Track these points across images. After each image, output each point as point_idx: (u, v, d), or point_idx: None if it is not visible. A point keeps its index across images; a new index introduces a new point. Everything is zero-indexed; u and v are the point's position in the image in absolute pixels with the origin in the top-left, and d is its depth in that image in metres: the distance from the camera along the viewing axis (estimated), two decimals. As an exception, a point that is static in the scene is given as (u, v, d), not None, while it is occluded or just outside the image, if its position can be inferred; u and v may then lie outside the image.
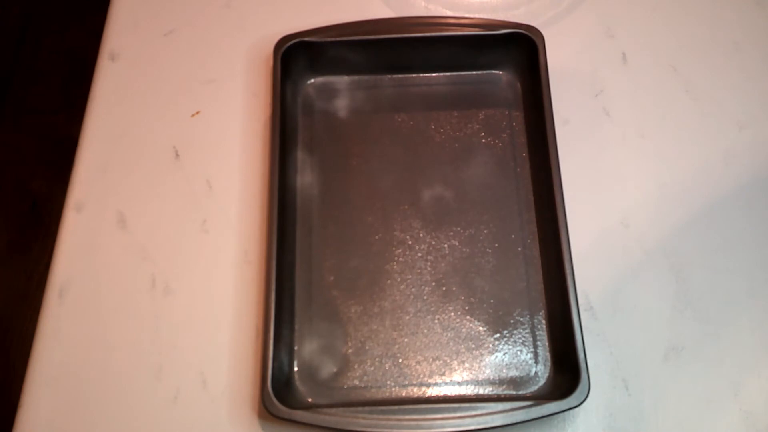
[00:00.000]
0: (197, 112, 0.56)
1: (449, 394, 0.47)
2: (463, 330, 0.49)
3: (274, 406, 0.44)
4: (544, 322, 0.49)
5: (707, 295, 0.50)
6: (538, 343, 0.49)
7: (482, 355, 0.48)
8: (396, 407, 0.45)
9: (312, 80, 0.56)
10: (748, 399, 0.47)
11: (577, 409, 0.44)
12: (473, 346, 0.49)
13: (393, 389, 0.48)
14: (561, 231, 0.48)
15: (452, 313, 0.50)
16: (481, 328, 0.49)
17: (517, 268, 0.51)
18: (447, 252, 0.51)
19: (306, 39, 0.54)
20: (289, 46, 0.53)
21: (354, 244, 0.52)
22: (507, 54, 0.55)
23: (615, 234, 0.52)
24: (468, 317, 0.50)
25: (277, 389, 0.44)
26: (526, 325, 0.49)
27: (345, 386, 0.48)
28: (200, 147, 0.55)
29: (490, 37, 0.55)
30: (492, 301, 0.50)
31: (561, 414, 0.45)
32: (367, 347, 0.49)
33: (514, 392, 0.47)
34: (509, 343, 0.49)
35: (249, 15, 0.60)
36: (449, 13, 0.60)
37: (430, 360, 0.48)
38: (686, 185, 0.54)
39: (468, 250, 0.51)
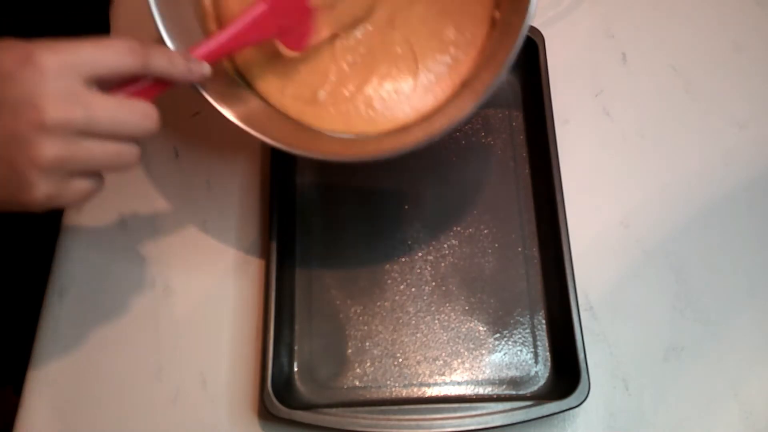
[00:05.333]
0: (197, 112, 0.56)
1: (449, 394, 0.47)
2: (463, 330, 0.49)
3: (274, 406, 0.44)
4: (544, 322, 0.49)
5: (707, 295, 0.50)
6: (538, 343, 0.49)
7: (482, 355, 0.48)
8: (396, 407, 0.45)
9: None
10: (748, 399, 0.47)
11: (577, 409, 0.44)
12: (473, 346, 0.49)
13: (393, 389, 0.48)
14: (561, 231, 0.48)
15: (452, 313, 0.50)
16: (481, 328, 0.49)
17: (517, 268, 0.51)
18: (447, 252, 0.51)
19: (306, 39, 0.54)
20: (289, 46, 0.53)
21: (354, 244, 0.52)
22: (507, 54, 0.55)
23: (615, 234, 0.52)
24: (468, 317, 0.50)
25: (277, 389, 0.44)
26: (526, 325, 0.49)
27: (345, 386, 0.48)
28: (200, 147, 0.55)
29: (490, 37, 0.54)
30: (492, 301, 0.50)
31: (561, 414, 0.45)
32: (367, 347, 0.49)
33: (514, 392, 0.47)
34: (509, 343, 0.49)
35: (249, 15, 0.60)
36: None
37: (430, 360, 0.48)
38: (686, 185, 0.54)
39: (468, 250, 0.51)
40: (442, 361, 0.48)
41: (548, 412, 0.43)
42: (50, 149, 0.30)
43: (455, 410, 0.45)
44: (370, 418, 0.44)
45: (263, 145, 0.55)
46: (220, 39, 0.38)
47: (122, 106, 0.32)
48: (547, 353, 0.48)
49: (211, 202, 0.53)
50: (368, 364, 0.48)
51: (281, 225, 0.49)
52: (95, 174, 0.34)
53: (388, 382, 0.48)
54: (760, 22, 0.59)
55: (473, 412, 0.45)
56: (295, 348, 0.48)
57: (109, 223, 0.52)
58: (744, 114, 0.56)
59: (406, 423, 0.44)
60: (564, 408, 0.43)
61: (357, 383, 0.48)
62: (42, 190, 0.31)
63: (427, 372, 0.48)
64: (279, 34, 0.41)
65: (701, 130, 0.56)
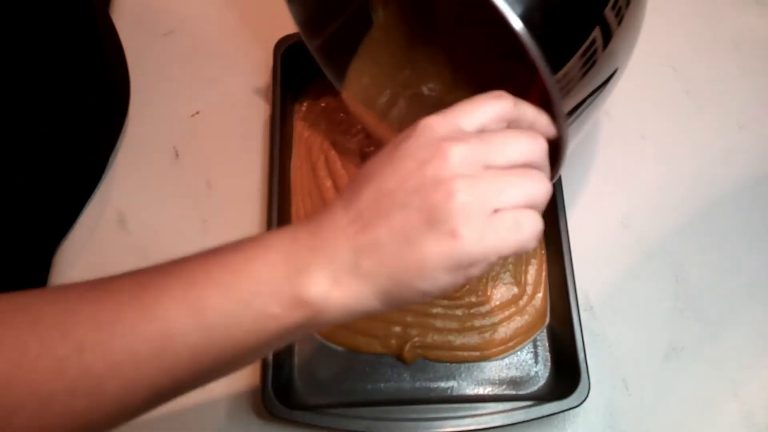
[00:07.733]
0: (197, 112, 0.56)
1: (449, 394, 0.47)
2: (463, 330, 0.49)
3: (274, 406, 0.43)
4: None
5: (707, 295, 0.50)
6: (538, 343, 0.49)
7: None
8: (396, 407, 0.45)
9: (312, 80, 0.56)
10: (748, 399, 0.47)
11: (577, 409, 0.44)
12: (473, 346, 0.49)
13: (393, 389, 0.47)
14: (561, 231, 0.48)
15: (452, 313, 0.50)
16: (481, 328, 0.49)
17: (517, 268, 0.51)
18: (447, 252, 0.51)
19: (306, 39, 0.54)
20: (289, 46, 0.53)
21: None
22: (507, 54, 0.55)
23: (615, 234, 0.52)
24: (468, 317, 0.49)
25: (277, 389, 0.44)
26: (526, 325, 0.49)
27: (345, 386, 0.47)
28: (200, 147, 0.55)
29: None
30: (492, 301, 0.50)
31: (561, 414, 0.45)
32: (367, 347, 0.49)
33: (514, 392, 0.47)
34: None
35: (249, 15, 0.60)
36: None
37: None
38: (686, 185, 0.54)
39: (468, 250, 0.51)
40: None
41: (548, 412, 0.43)
42: (463, 194, 0.30)
43: (455, 410, 0.45)
44: (370, 418, 0.44)
45: (262, 145, 0.55)
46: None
47: (508, 134, 0.32)
48: (547, 353, 0.48)
49: (211, 202, 0.53)
50: (368, 364, 0.48)
51: (281, 225, 0.49)
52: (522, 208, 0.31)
53: (389, 383, 0.48)
54: (760, 22, 0.59)
55: (473, 412, 0.45)
56: (295, 348, 0.48)
57: (109, 223, 0.52)
58: (744, 114, 0.56)
59: (406, 423, 0.44)
60: (564, 408, 0.43)
61: (357, 383, 0.48)
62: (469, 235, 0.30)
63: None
64: None
65: (701, 130, 0.55)
